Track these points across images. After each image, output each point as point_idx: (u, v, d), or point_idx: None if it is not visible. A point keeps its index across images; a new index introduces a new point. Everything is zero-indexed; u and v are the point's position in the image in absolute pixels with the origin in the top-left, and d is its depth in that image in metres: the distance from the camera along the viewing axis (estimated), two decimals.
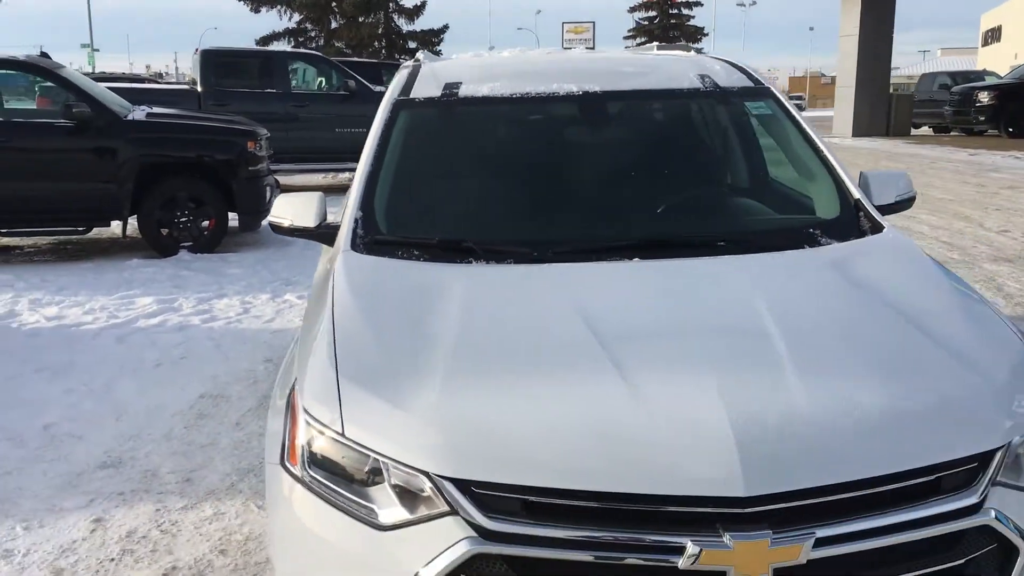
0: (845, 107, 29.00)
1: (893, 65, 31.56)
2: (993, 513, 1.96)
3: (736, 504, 1.85)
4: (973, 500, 1.96)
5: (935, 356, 2.25)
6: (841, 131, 28.96)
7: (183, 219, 9.31)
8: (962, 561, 1.95)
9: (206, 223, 9.37)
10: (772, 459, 1.88)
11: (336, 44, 43.78)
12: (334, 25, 45.36)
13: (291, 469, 2.19)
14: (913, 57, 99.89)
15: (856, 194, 3.23)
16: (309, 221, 3.23)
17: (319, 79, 15.64)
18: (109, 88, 10.91)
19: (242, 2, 44.22)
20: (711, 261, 2.79)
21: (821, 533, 1.86)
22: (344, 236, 3.03)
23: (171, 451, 4.49)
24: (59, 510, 3.88)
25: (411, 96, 3.53)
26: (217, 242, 9.43)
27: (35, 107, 11.69)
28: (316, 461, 2.13)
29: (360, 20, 45.41)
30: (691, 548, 1.82)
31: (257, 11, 44.48)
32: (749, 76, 3.70)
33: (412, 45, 45.84)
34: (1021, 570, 1.99)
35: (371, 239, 3.00)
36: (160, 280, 8.17)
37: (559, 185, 3.33)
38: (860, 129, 28.09)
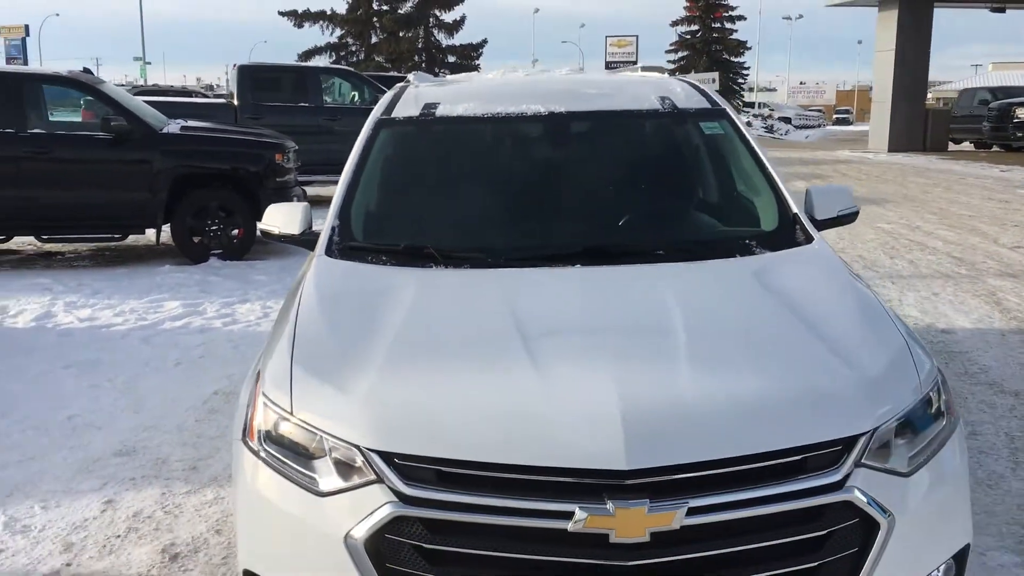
0: (881, 122, 28.90)
1: (945, 79, 31.48)
2: (856, 491, 2.21)
3: (619, 476, 2.11)
4: (836, 479, 2.20)
5: (816, 352, 2.50)
6: (877, 146, 28.84)
7: (213, 228, 9.73)
8: (824, 532, 2.19)
9: (235, 232, 9.78)
10: (653, 437, 2.15)
11: (376, 58, 44.56)
12: (374, 40, 46.15)
13: (250, 444, 2.51)
14: (966, 71, 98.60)
15: (794, 209, 3.48)
16: (294, 229, 3.57)
17: (352, 93, 16.10)
18: (148, 102, 11.43)
19: (285, 17, 45.20)
20: (645, 268, 3.06)
21: (694, 503, 2.12)
22: (321, 242, 3.36)
23: (182, 442, 4.83)
24: (74, 492, 4.24)
25: (392, 115, 3.86)
26: (246, 250, 9.83)
27: (80, 120, 12.24)
28: (271, 438, 2.45)
29: (400, 35, 46.17)
30: (579, 514, 2.10)
31: (300, 26, 45.43)
32: (707, 98, 3.97)
33: (451, 59, 46.52)
34: (882, 543, 2.23)
35: (344, 245, 3.32)
36: (189, 285, 8.57)
37: (517, 197, 3.64)
38: (896, 144, 27.95)
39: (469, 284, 3.03)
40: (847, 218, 3.69)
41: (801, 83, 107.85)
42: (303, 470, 2.35)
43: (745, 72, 72.81)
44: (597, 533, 2.11)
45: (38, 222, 9.50)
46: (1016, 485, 4.23)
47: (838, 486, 2.21)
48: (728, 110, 3.95)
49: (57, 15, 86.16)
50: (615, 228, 3.39)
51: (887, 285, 8.59)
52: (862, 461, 2.25)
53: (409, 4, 46.47)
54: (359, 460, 2.26)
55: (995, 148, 28.01)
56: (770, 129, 50.08)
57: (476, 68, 45.81)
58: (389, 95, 4.10)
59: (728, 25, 68.46)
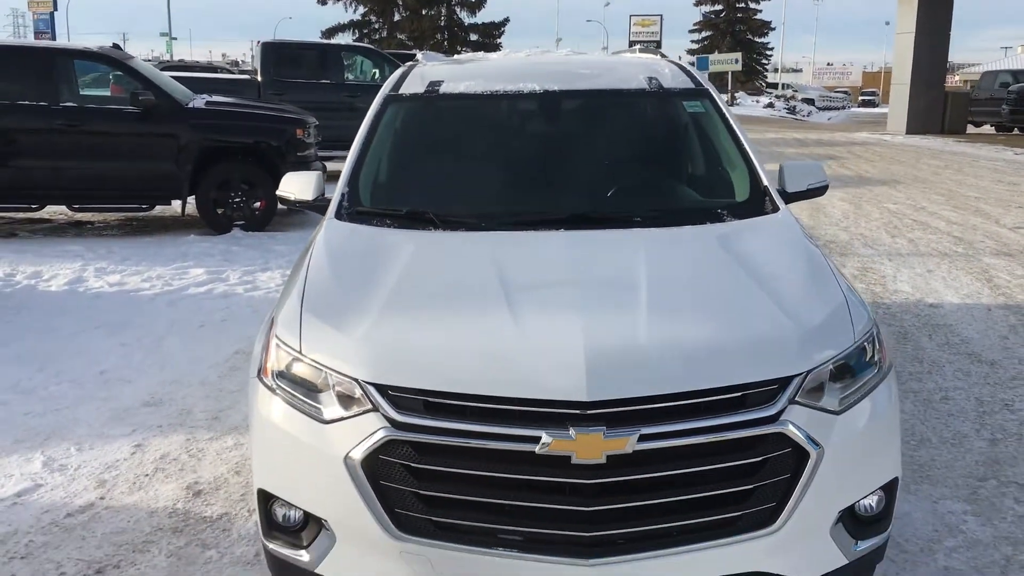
0: (899, 104, 28.88)
1: (973, 61, 31.29)
2: (789, 425, 2.53)
3: (580, 407, 2.44)
4: (771, 413, 2.52)
5: (760, 304, 2.81)
6: (895, 128, 28.85)
7: (236, 200, 10.12)
8: (760, 459, 2.52)
9: (257, 204, 10.16)
10: (610, 374, 2.47)
11: (399, 36, 44.80)
12: (397, 18, 46.38)
13: (264, 381, 2.86)
14: (995, 53, 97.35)
15: (764, 182, 3.78)
16: (308, 195, 3.92)
17: (373, 70, 16.42)
18: (174, 78, 11.79)
19: None
20: (622, 232, 3.38)
21: (645, 431, 2.45)
22: (332, 207, 3.71)
23: (204, 395, 5.21)
24: (106, 437, 4.62)
25: (399, 92, 4.19)
26: (267, 221, 10.21)
27: (109, 94, 12.62)
28: (282, 375, 2.79)
29: (423, 13, 46.37)
30: (545, 438, 2.43)
31: (324, 3, 45.70)
32: (692, 79, 4.27)
33: (473, 37, 46.69)
34: (811, 471, 2.55)
35: (353, 210, 3.67)
36: (213, 254, 8.97)
37: (510, 168, 3.97)
38: (914, 127, 27.96)
39: (462, 244, 3.36)
40: (817, 191, 3.99)
41: (829, 64, 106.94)
42: (310, 401, 2.69)
43: (769, 53, 72.49)
44: (560, 455, 2.44)
45: (69, 192, 9.93)
46: (978, 444, 4.53)
47: (773, 420, 2.53)
48: (711, 90, 4.25)
49: None
50: (599, 197, 3.71)
51: (884, 262, 8.85)
52: (796, 399, 2.57)
53: None
54: (358, 392, 2.60)
55: (1016, 131, 27.92)
56: (792, 110, 49.91)
57: (497, 47, 46.00)
58: (397, 73, 4.43)
59: (752, 5, 68.16)
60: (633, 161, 4.05)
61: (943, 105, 28.59)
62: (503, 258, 3.14)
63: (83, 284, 7.74)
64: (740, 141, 3.96)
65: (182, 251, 9.10)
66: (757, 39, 69.64)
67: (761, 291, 2.88)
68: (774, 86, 69.00)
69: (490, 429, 2.48)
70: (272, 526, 2.82)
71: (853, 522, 2.74)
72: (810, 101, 58.49)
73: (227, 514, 3.83)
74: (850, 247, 9.63)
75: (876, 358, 2.83)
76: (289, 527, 2.78)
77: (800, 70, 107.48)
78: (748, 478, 2.52)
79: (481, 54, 5.75)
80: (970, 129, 29.93)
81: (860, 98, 78.51)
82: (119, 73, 10.63)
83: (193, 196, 10.13)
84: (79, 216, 10.95)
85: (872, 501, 2.80)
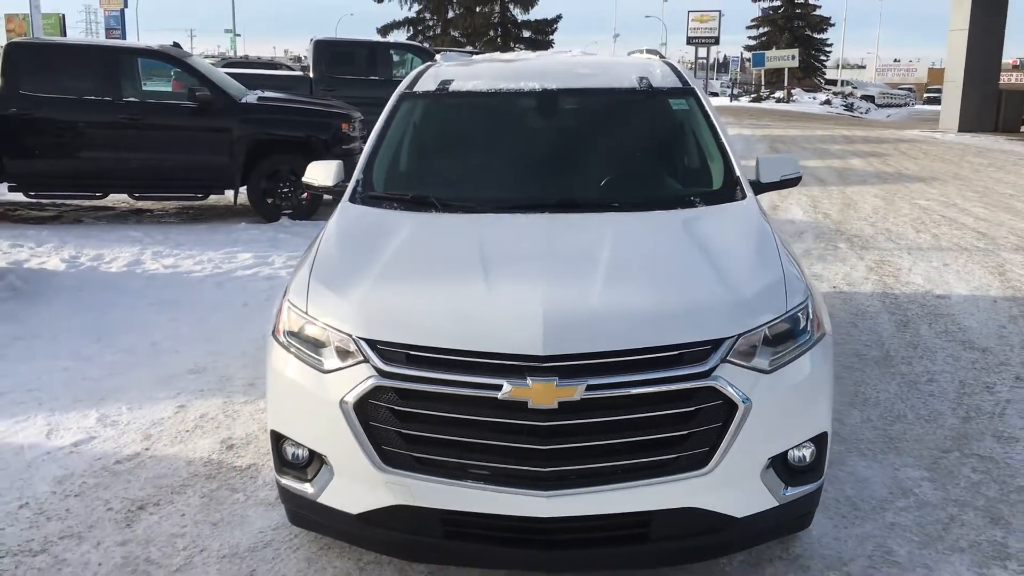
0: (952, 102, 28.62)
1: None
2: (720, 380, 2.91)
3: (537, 360, 2.85)
4: (704, 369, 2.90)
5: (705, 277, 3.19)
6: (947, 126, 28.59)
7: (285, 190, 10.68)
8: (693, 409, 2.91)
9: (304, 194, 10.69)
10: (564, 333, 2.88)
11: (452, 33, 45.44)
12: (451, 15, 47.05)
13: (278, 338, 3.33)
14: None
15: (737, 172, 4.15)
16: (329, 181, 4.41)
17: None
18: (230, 74, 12.43)
19: None
20: (598, 216, 3.79)
21: (592, 382, 2.85)
22: (348, 192, 4.18)
23: (243, 364, 5.72)
24: (154, 398, 5.16)
25: (414, 90, 4.65)
26: (314, 210, 10.75)
27: (170, 90, 13.30)
28: (292, 333, 3.27)
29: (476, 10, 46.95)
30: (506, 386, 2.85)
31: (380, 1, 46.51)
32: (680, 78, 4.65)
33: (526, 34, 47.13)
34: (740, 421, 2.92)
35: (365, 194, 4.14)
36: (261, 241, 9.54)
37: (508, 158, 4.39)
38: (966, 124, 27.69)
39: (455, 224, 3.81)
40: (790, 181, 4.36)
41: (896, 60, 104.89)
42: (313, 355, 3.15)
43: (828, 49, 71.57)
44: (519, 401, 2.85)
45: (131, 181, 10.60)
46: (951, 421, 4.84)
47: (705, 375, 2.91)
48: (696, 89, 4.62)
49: None
50: (583, 184, 4.13)
51: (903, 255, 9.08)
52: (728, 359, 2.95)
53: None
54: (352, 347, 3.05)
55: None
56: (850, 107, 49.29)
57: (550, 44, 46.40)
58: (414, 73, 4.89)
59: (812, 1, 67.33)
60: (618, 153, 4.44)
61: (997, 103, 28.27)
62: (488, 236, 3.58)
63: (140, 266, 8.35)
64: (719, 136, 4.33)
65: (232, 237, 9.68)
66: (816, 35, 68.82)
67: (707, 266, 3.27)
68: (833, 83, 68.12)
69: (461, 378, 2.91)
70: (283, 463, 3.30)
71: (784, 470, 3.12)
72: (870, 98, 57.68)
73: (255, 464, 4.32)
74: (873, 241, 9.86)
75: (808, 327, 3.20)
76: (297, 464, 3.26)
77: (864, 66, 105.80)
78: (683, 425, 2.92)
79: (497, 54, 6.18)
80: None
81: (925, 95, 77.05)
82: (178, 70, 11.25)
83: (244, 186, 10.71)
84: (140, 204, 11.64)
85: (805, 453, 3.18)
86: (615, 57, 5.58)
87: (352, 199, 4.13)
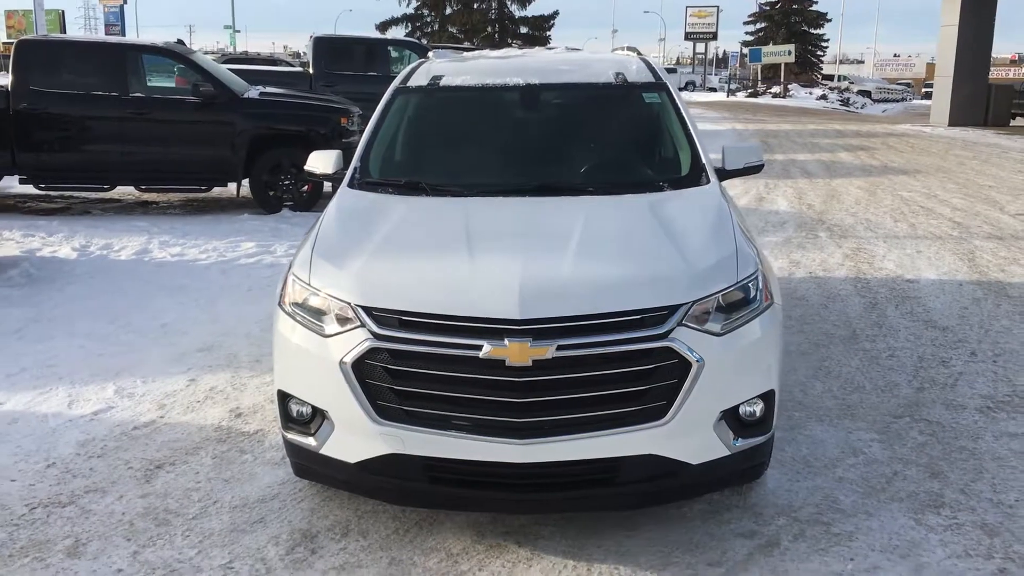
0: (943, 97, 29.03)
1: None
2: (676, 341, 3.29)
3: (513, 324, 3.22)
4: (661, 331, 3.28)
5: (664, 252, 3.57)
6: (937, 120, 29.00)
7: (286, 182, 11.04)
8: (651, 367, 3.28)
9: (305, 187, 11.07)
10: (538, 299, 3.25)
11: (450, 29, 45.80)
12: (448, 11, 47.41)
13: (284, 307, 3.72)
14: None
15: (703, 160, 4.53)
16: (329, 169, 4.80)
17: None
18: (232, 70, 12.79)
19: None
20: (574, 199, 4.17)
21: (562, 342, 3.22)
22: (346, 178, 4.57)
23: (249, 344, 6.10)
24: (167, 373, 5.54)
25: (407, 85, 5.04)
26: (314, 202, 11.10)
27: (174, 85, 13.65)
28: (296, 302, 3.65)
29: (474, 7, 47.33)
30: (486, 347, 3.22)
31: None
32: (654, 73, 5.04)
33: (524, 30, 47.47)
34: (694, 377, 3.29)
35: (362, 180, 4.52)
36: (263, 231, 9.90)
37: (493, 147, 4.78)
38: (956, 119, 28.10)
39: (443, 206, 4.20)
40: (753, 168, 4.75)
41: (895, 55, 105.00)
42: (315, 321, 3.53)
43: (825, 44, 71.88)
44: (497, 359, 3.23)
45: (137, 174, 10.97)
46: (905, 392, 5.22)
47: (663, 337, 3.29)
48: (668, 84, 5.00)
49: None
50: (560, 171, 4.52)
51: (878, 244, 9.47)
52: (684, 323, 3.33)
53: None
54: (350, 313, 3.43)
55: None
56: (845, 102, 49.62)
57: (547, 40, 46.74)
58: (408, 69, 5.27)
59: None
60: (593, 142, 4.83)
61: (987, 98, 28.66)
62: (472, 216, 3.97)
63: (148, 255, 8.73)
64: (688, 127, 4.71)
65: (236, 227, 10.05)
66: (812, 30, 69.18)
67: (667, 241, 3.66)
68: (830, 78, 68.52)
69: (446, 339, 3.29)
70: (288, 419, 3.69)
71: (735, 423, 3.50)
72: (866, 93, 58.02)
73: (261, 430, 4.70)
74: (852, 230, 10.24)
75: (758, 296, 3.58)
76: (301, 420, 3.64)
77: (862, 61, 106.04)
78: (643, 381, 3.30)
79: (487, 51, 6.56)
80: (1020, 122, 29.85)
81: (923, 90, 77.37)
82: (182, 66, 11.61)
83: (247, 179, 11.08)
84: (146, 196, 12.02)
85: (755, 408, 3.56)
86: (595, 54, 5.97)
87: (350, 184, 4.52)
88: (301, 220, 10.46)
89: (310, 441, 3.58)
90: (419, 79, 5.06)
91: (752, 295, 3.57)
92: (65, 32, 49.69)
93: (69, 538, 3.65)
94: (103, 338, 6.20)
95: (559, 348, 3.24)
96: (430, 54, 5.70)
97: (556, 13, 49.04)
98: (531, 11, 48.86)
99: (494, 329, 3.25)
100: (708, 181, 4.42)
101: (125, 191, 11.95)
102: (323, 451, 3.54)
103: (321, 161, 4.88)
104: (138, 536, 3.67)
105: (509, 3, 48.42)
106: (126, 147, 10.71)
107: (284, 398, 3.69)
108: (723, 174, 4.65)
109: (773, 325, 3.63)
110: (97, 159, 10.76)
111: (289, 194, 11.07)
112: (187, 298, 7.24)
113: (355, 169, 4.60)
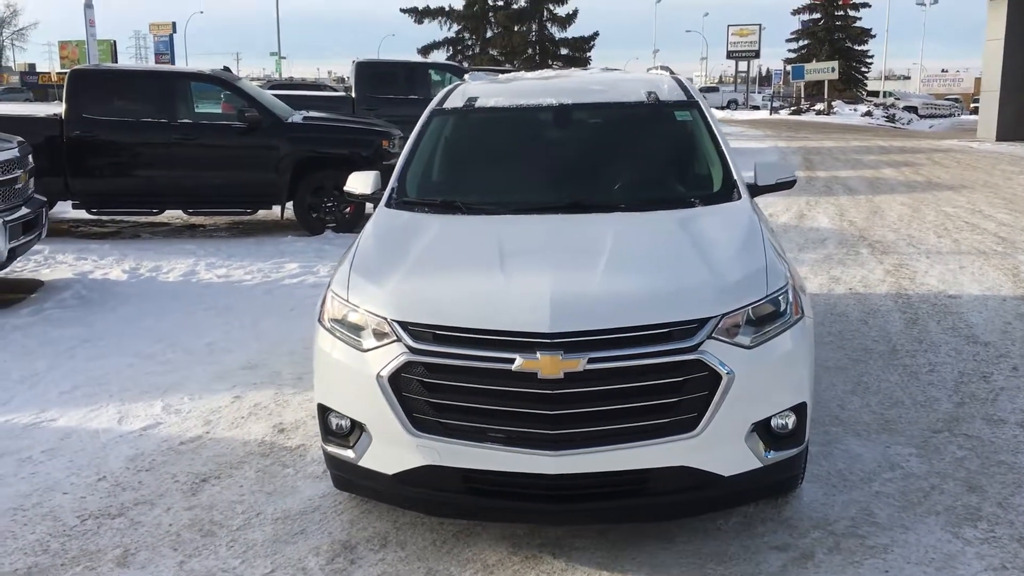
0: (990, 111, 28.62)
1: None
2: (706, 354, 3.33)
3: (545, 337, 3.29)
4: (691, 344, 3.33)
5: (694, 267, 3.62)
6: (984, 135, 28.57)
7: (329, 204, 11.25)
8: (682, 379, 3.33)
9: (347, 208, 11.27)
10: (569, 314, 3.32)
11: (491, 52, 46.25)
12: (489, 34, 47.91)
13: (323, 324, 3.83)
14: None
15: (735, 176, 4.57)
16: (368, 190, 4.92)
17: None
18: (276, 95, 13.07)
19: (406, 15, 47.53)
20: (606, 215, 4.24)
21: (593, 355, 3.28)
22: (384, 198, 4.69)
23: (292, 362, 6.23)
24: (212, 390, 5.68)
25: (444, 106, 5.16)
26: (356, 223, 11.25)
27: (220, 111, 13.98)
28: (335, 318, 3.76)
29: (514, 29, 47.75)
30: (518, 360, 3.29)
31: (420, 22, 47.59)
32: (685, 92, 5.11)
33: (564, 52, 47.77)
34: (724, 390, 3.33)
35: (399, 200, 4.65)
36: (306, 252, 10.09)
37: (527, 167, 4.88)
38: (1004, 133, 27.66)
39: (477, 224, 4.30)
40: (785, 184, 4.79)
41: (943, 71, 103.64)
42: (354, 336, 3.63)
43: (869, 60, 71.24)
44: (529, 372, 3.30)
45: (185, 198, 11.25)
46: (945, 407, 5.19)
47: (693, 350, 3.34)
48: (700, 102, 5.06)
49: (201, 12, 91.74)
50: (593, 188, 4.60)
51: (921, 259, 9.38)
52: (713, 336, 3.37)
53: None
54: (387, 328, 3.52)
55: None
56: (891, 119, 48.99)
57: (588, 61, 47.05)
58: (444, 91, 5.40)
59: (852, 12, 67.09)
60: (625, 160, 4.90)
61: None
62: (505, 233, 4.06)
63: (195, 276, 8.94)
64: (719, 144, 4.77)
65: (280, 249, 10.25)
66: (856, 47, 68.61)
67: (697, 255, 3.71)
68: (875, 94, 67.82)
69: (480, 353, 3.37)
70: (328, 432, 3.79)
71: (767, 435, 3.53)
72: (912, 109, 57.28)
73: (303, 445, 4.81)
74: (894, 246, 10.16)
75: (788, 310, 3.61)
76: (340, 432, 3.74)
77: (908, 77, 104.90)
78: (674, 393, 3.35)
79: (522, 73, 6.68)
80: None
81: (972, 105, 76.24)
82: (228, 93, 11.91)
83: (291, 202, 11.31)
84: (193, 220, 12.30)
85: (787, 421, 3.58)
86: (628, 73, 6.05)
87: (388, 204, 4.64)
88: (343, 241, 10.61)
89: (349, 453, 3.67)
90: (455, 101, 5.18)
91: (782, 308, 3.60)
92: (117, 61, 51.04)
93: (118, 548, 3.78)
94: (151, 357, 6.37)
95: (590, 361, 3.30)
96: (466, 76, 5.82)
97: (596, 34, 49.33)
98: (571, 32, 49.24)
99: (526, 343, 3.32)
100: (739, 197, 4.47)
101: (173, 215, 12.24)
102: (361, 463, 3.63)
103: (360, 182, 5.01)
104: (184, 546, 3.78)
105: (549, 25, 48.80)
106: (174, 172, 10.99)
107: (324, 411, 3.79)
108: (755, 190, 4.69)
109: (804, 338, 3.65)
110: (146, 184, 11.06)
111: (332, 216, 11.27)
112: (232, 318, 7.41)
113: (392, 189, 4.72)
